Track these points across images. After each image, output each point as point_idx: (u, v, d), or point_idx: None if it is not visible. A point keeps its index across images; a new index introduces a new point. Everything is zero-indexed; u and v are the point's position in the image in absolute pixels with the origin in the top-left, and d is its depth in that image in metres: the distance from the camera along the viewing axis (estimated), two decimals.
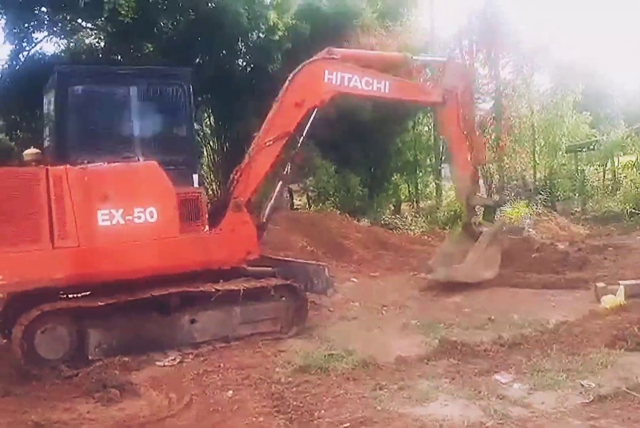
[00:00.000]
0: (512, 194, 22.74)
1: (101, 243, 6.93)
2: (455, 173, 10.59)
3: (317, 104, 8.50)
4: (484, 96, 28.40)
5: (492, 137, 23.78)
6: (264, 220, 8.62)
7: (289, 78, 8.50)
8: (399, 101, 9.88)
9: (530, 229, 15.83)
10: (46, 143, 7.84)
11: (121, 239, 6.99)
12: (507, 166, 23.68)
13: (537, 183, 23.94)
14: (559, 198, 23.55)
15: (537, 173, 24.61)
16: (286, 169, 8.64)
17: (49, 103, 7.79)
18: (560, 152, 25.27)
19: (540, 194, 22.04)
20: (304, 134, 8.58)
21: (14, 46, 18.71)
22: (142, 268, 7.05)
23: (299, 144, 8.64)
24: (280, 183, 8.73)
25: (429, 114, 24.64)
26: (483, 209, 10.89)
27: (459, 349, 6.75)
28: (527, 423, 4.91)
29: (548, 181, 23.66)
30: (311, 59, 8.70)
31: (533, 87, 27.50)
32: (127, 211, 7.03)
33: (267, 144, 8.21)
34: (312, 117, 8.50)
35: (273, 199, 8.71)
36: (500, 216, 15.08)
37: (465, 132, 9.98)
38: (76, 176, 6.85)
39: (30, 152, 7.38)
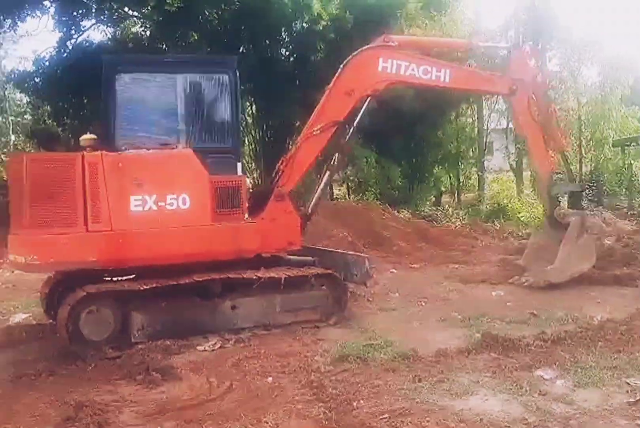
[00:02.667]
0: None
1: (133, 228, 7.00)
2: (533, 163, 10.24)
3: (369, 93, 8.31)
4: None
5: None
6: (310, 211, 8.54)
7: (342, 66, 8.30)
8: (461, 91, 9.40)
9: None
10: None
11: (153, 225, 7.07)
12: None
13: (582, 177, 23.43)
14: (605, 192, 23.00)
15: (583, 166, 24.09)
16: (333, 160, 8.48)
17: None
18: (607, 147, 24.66)
19: (586, 188, 21.57)
20: (354, 124, 8.39)
21: (62, 34, 19.07)
22: (173, 254, 7.11)
23: (349, 134, 8.46)
24: (328, 173, 8.60)
25: (472, 106, 24.36)
26: (568, 196, 10.23)
27: (501, 343, 6.67)
28: (570, 421, 4.83)
29: (594, 176, 23.11)
30: (366, 46, 8.43)
31: (580, 80, 26.92)
32: (159, 197, 7.09)
33: (314, 133, 8.12)
34: (364, 107, 8.31)
35: (319, 190, 8.61)
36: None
37: (540, 121, 9.50)
38: (111, 162, 6.94)
39: (87, 137, 7.47)
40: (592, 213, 13.81)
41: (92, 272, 7.06)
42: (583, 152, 24.13)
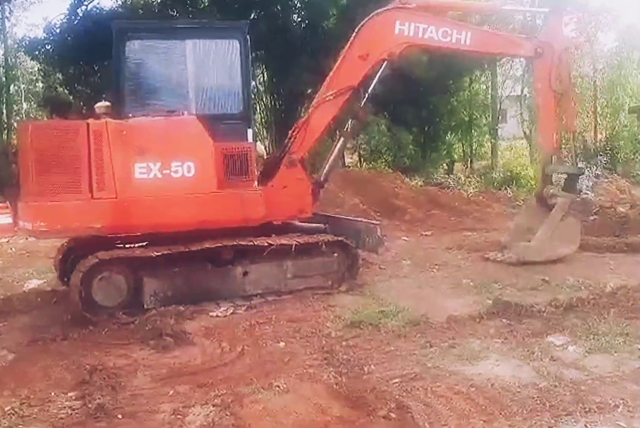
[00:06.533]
0: (570, 155, 22.17)
1: (137, 196, 6.98)
2: (538, 137, 9.71)
3: (385, 57, 8.07)
4: None
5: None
6: (322, 178, 8.46)
7: (356, 29, 8.08)
8: (483, 54, 9.05)
9: (589, 192, 15.38)
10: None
11: (157, 193, 7.02)
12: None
13: (597, 145, 23.14)
14: (620, 160, 22.74)
15: (597, 134, 23.79)
16: (347, 126, 8.34)
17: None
18: (623, 113, 24.31)
19: (601, 155, 21.32)
20: (369, 90, 8.19)
21: (73, 1, 18.93)
22: (178, 221, 7.09)
23: (364, 100, 8.27)
24: (342, 140, 8.48)
25: (486, 72, 24.01)
26: (565, 177, 9.55)
27: (513, 309, 6.66)
28: (581, 386, 4.83)
29: (609, 143, 22.85)
30: (382, 9, 8.14)
31: (597, 45, 26.44)
32: (164, 165, 7.03)
33: (327, 98, 7.95)
34: (379, 72, 8.12)
35: (333, 156, 8.51)
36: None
37: (558, 94, 8.96)
38: (115, 130, 6.90)
39: (101, 105, 7.47)
40: (584, 195, 13.08)
41: (104, 239, 7.10)
42: (598, 119, 23.79)
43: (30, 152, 6.76)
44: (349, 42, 8.07)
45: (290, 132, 8.31)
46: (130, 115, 7.09)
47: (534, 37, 8.98)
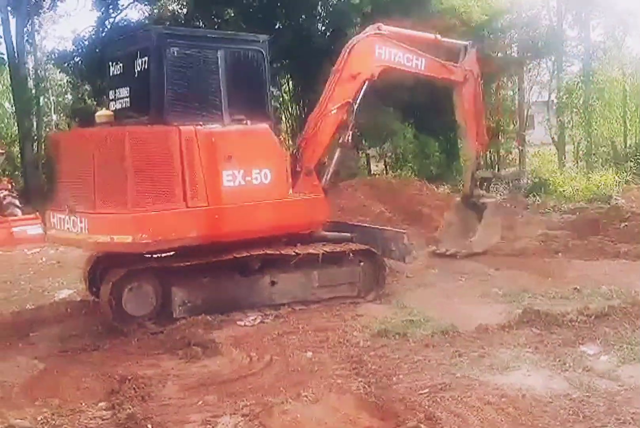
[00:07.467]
0: (600, 161, 21.91)
1: (226, 203, 7.11)
2: (465, 148, 11.55)
3: (369, 76, 8.74)
4: (571, 59, 27.29)
5: (580, 101, 22.85)
6: (325, 186, 8.64)
7: (345, 51, 8.73)
8: (430, 78, 10.18)
9: (619, 198, 15.17)
10: (116, 105, 7.69)
11: (243, 199, 7.20)
12: (595, 131, 22.73)
13: (627, 150, 22.79)
14: None
15: (627, 139, 23.43)
16: (346, 137, 8.73)
17: (123, 65, 7.66)
18: None
19: (631, 161, 21.00)
20: (357, 104, 8.76)
21: (100, 13, 19.25)
22: (262, 227, 7.30)
23: (354, 113, 8.77)
24: (339, 150, 8.85)
25: (513, 78, 23.88)
26: (479, 180, 11.19)
27: (543, 319, 6.56)
28: (615, 397, 4.74)
29: (639, 148, 22.48)
30: (364, 34, 8.92)
31: (625, 49, 26.15)
32: (246, 172, 7.22)
33: (332, 112, 8.47)
34: (363, 89, 8.73)
35: (333, 165, 8.82)
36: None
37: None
38: (205, 137, 6.99)
39: (103, 114, 7.42)
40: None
41: (183, 248, 7.09)
42: (627, 124, 23.43)
43: (127, 160, 6.60)
44: (341, 61, 8.68)
45: (297, 142, 8.76)
46: (175, 123, 6.98)
47: (460, 66, 10.31)
